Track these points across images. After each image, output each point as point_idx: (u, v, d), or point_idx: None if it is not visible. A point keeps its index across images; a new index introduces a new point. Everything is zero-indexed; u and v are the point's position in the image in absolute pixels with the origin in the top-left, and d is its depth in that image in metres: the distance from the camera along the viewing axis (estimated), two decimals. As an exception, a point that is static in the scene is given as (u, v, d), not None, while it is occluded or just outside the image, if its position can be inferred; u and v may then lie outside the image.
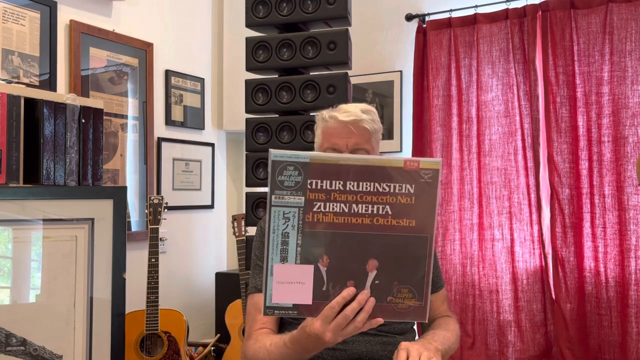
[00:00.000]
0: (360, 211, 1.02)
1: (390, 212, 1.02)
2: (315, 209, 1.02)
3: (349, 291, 1.03)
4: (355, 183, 1.01)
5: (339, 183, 1.01)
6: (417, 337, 1.52)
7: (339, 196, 1.02)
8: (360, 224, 1.02)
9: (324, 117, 1.47)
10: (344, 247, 1.03)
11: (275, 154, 1.00)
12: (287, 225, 1.02)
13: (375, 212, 1.02)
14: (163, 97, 3.21)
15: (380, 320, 1.05)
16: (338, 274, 1.03)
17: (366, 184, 1.01)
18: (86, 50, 2.76)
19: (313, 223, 1.02)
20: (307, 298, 1.04)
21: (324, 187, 1.02)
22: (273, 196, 1.01)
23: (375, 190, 1.02)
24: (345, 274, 1.03)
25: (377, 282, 1.04)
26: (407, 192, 1.02)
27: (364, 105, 1.47)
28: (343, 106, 1.47)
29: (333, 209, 1.02)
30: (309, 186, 1.01)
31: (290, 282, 1.03)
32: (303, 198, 1.02)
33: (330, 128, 1.43)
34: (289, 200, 1.02)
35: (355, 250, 1.03)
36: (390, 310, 1.05)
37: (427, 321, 1.10)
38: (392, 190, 1.02)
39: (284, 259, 1.03)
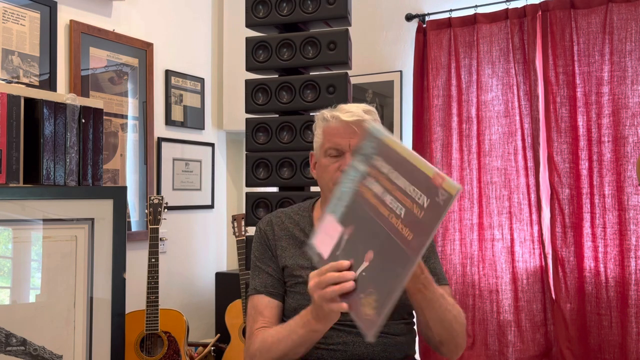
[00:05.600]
0: (386, 202, 1.04)
1: (402, 216, 1.01)
2: (365, 182, 1.08)
3: (342, 263, 1.06)
4: (397, 174, 1.03)
5: (389, 169, 1.05)
6: (417, 338, 1.52)
7: (383, 181, 1.05)
8: (382, 213, 1.04)
9: (325, 116, 1.45)
10: (363, 228, 1.06)
11: (372, 125, 1.11)
12: (348, 185, 1.12)
13: (394, 209, 1.02)
14: (163, 97, 3.21)
15: (344, 306, 1.04)
16: (349, 247, 1.08)
17: (403, 180, 1.02)
18: (86, 50, 2.76)
19: (360, 193, 1.09)
20: (326, 251, 1.12)
21: (379, 168, 1.07)
22: (353, 157, 1.13)
23: (405, 188, 1.02)
24: (351, 251, 1.07)
25: (363, 273, 1.04)
26: (421, 203, 0.99)
27: (364, 105, 1.46)
28: (344, 106, 1.46)
29: (374, 189, 1.07)
30: (374, 161, 1.08)
31: (326, 233, 1.13)
32: (366, 168, 1.08)
33: (332, 128, 1.42)
34: (357, 165, 1.11)
35: (367, 235, 1.05)
36: (354, 306, 1.04)
37: (372, 340, 1.08)
38: (414, 196, 1.00)
39: (333, 212, 1.13)
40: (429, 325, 1.30)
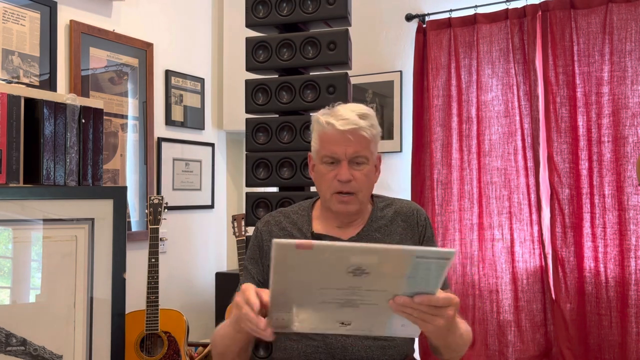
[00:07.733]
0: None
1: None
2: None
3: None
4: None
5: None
6: (416, 340, 1.52)
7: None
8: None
9: (320, 120, 1.40)
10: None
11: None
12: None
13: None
14: (163, 97, 3.21)
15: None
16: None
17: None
18: (86, 50, 2.76)
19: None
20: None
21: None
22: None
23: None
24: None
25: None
26: None
27: (360, 108, 1.40)
28: (340, 110, 1.40)
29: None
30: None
31: None
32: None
33: (327, 135, 1.38)
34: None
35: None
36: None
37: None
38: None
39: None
40: (439, 351, 1.32)
